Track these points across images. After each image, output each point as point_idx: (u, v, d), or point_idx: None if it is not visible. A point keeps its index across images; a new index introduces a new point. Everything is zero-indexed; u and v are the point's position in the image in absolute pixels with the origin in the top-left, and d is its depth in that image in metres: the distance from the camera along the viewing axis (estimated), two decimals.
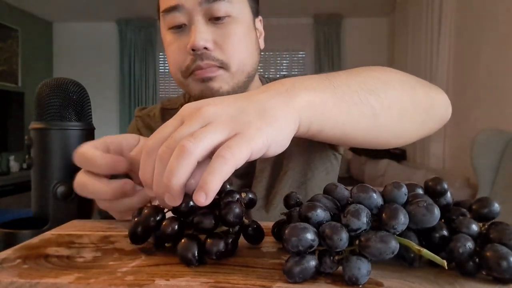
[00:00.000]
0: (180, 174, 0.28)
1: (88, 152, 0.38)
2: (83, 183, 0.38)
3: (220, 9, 0.59)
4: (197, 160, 0.28)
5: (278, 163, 0.68)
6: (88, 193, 0.38)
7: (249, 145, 0.29)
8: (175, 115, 0.32)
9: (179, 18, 0.60)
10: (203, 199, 0.26)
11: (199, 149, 0.28)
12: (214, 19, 0.60)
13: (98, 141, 0.40)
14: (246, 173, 0.69)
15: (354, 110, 0.39)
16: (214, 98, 0.33)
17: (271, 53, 4.73)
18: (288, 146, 0.33)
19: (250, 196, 0.33)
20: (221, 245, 0.28)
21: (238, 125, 0.30)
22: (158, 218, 0.31)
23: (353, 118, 0.39)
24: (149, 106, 0.81)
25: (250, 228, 0.32)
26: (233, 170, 0.28)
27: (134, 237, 0.31)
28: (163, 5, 0.62)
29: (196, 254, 0.27)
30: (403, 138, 0.48)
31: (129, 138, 0.41)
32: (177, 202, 0.29)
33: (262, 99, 0.32)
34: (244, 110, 0.31)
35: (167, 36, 0.63)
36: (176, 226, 0.29)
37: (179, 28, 0.61)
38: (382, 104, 0.41)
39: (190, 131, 0.29)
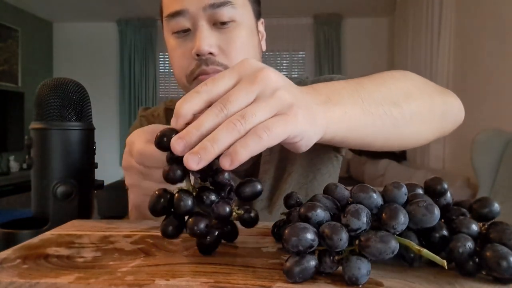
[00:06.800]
0: (222, 145, 0.28)
1: (145, 150, 0.37)
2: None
3: (225, 14, 0.59)
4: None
5: (282, 165, 0.69)
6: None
7: (288, 129, 0.30)
8: (232, 70, 0.32)
9: (183, 22, 0.60)
10: (228, 165, 0.28)
11: (246, 129, 0.29)
12: (218, 24, 0.60)
13: (148, 132, 0.39)
14: (250, 174, 0.69)
15: (378, 122, 0.40)
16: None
17: (271, 53, 4.73)
18: None
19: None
20: (202, 224, 0.29)
21: (286, 105, 0.31)
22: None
23: (375, 130, 0.41)
24: (152, 107, 0.82)
25: (246, 215, 0.33)
26: (264, 149, 0.29)
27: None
28: (167, 10, 0.61)
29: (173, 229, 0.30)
30: (419, 142, 0.51)
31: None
32: (200, 165, 0.28)
33: (309, 100, 0.34)
34: (298, 90, 0.33)
35: (170, 41, 0.63)
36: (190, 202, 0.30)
37: (184, 33, 0.61)
38: (404, 115, 0.43)
39: (248, 98, 0.30)
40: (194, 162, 0.28)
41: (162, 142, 0.31)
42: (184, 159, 0.28)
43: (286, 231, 0.25)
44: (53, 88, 0.46)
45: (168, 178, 0.30)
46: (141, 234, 0.37)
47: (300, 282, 0.24)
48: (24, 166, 4.10)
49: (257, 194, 0.32)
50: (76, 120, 0.46)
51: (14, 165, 4.21)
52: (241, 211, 0.32)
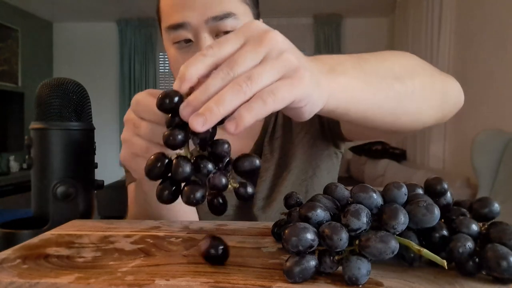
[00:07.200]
0: (228, 107, 0.28)
1: (143, 99, 0.39)
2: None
3: (227, 25, 0.59)
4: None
5: (282, 162, 0.69)
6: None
7: (294, 92, 0.29)
8: (237, 32, 0.32)
9: (185, 34, 0.59)
10: (233, 129, 0.28)
11: (252, 92, 0.29)
12: (221, 35, 0.59)
13: (152, 90, 0.41)
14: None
15: (380, 96, 0.40)
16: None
17: None
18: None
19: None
20: (199, 193, 0.30)
21: (293, 67, 0.30)
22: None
23: (377, 103, 0.40)
24: None
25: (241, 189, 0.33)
26: (269, 113, 0.29)
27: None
28: (167, 21, 0.60)
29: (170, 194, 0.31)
30: (420, 120, 0.50)
31: None
32: (205, 127, 0.28)
33: (313, 67, 0.33)
34: (303, 56, 0.32)
35: (171, 50, 0.63)
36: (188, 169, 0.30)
37: (185, 43, 0.61)
38: (406, 91, 0.43)
39: (254, 60, 0.30)
40: (199, 124, 0.28)
41: (164, 104, 0.30)
42: (190, 120, 0.28)
43: (286, 231, 0.25)
44: (53, 88, 0.46)
45: (168, 142, 0.30)
46: (141, 234, 0.37)
47: (300, 282, 0.24)
48: (24, 166, 4.10)
49: (255, 169, 0.31)
50: (76, 120, 0.46)
51: (14, 165, 4.21)
52: (236, 184, 0.32)
